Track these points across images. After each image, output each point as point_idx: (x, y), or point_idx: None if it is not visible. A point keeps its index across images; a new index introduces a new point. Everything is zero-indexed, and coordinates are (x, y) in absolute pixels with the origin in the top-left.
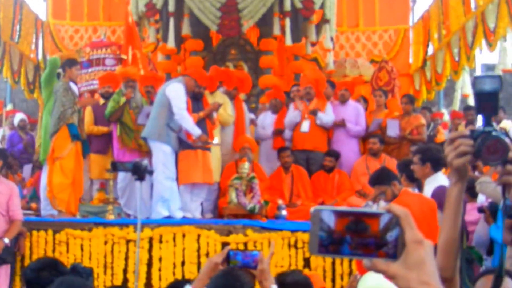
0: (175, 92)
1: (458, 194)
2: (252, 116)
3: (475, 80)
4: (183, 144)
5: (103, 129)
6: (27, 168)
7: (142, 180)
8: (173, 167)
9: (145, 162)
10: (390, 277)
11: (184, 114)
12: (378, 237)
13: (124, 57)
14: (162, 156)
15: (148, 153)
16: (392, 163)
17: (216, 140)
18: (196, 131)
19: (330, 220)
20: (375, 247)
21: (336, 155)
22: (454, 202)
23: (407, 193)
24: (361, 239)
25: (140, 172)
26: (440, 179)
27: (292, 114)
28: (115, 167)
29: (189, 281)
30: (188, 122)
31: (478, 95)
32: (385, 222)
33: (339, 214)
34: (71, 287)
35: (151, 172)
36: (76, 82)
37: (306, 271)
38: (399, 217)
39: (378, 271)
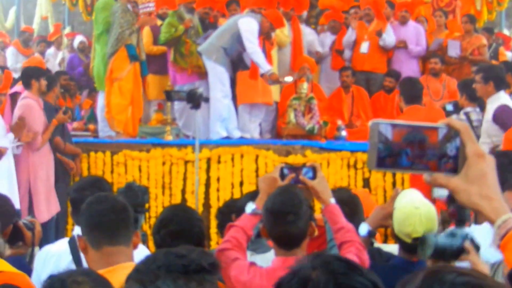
0: (249, 27)
1: None
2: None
3: None
4: (241, 64)
5: (162, 48)
6: (85, 92)
7: (198, 108)
8: (229, 86)
9: (200, 89)
10: (451, 191)
11: (256, 49)
12: (437, 148)
13: None
14: (218, 74)
15: (207, 75)
16: (452, 83)
17: (289, 78)
18: (267, 67)
19: (387, 132)
20: (434, 158)
21: (396, 76)
22: None
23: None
24: (419, 150)
25: (195, 100)
26: (503, 98)
27: (349, 34)
28: (170, 96)
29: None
30: (260, 57)
31: None
32: (444, 134)
33: (397, 126)
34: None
35: (206, 99)
36: (136, 2)
37: (358, 189)
38: (459, 130)
39: (438, 185)
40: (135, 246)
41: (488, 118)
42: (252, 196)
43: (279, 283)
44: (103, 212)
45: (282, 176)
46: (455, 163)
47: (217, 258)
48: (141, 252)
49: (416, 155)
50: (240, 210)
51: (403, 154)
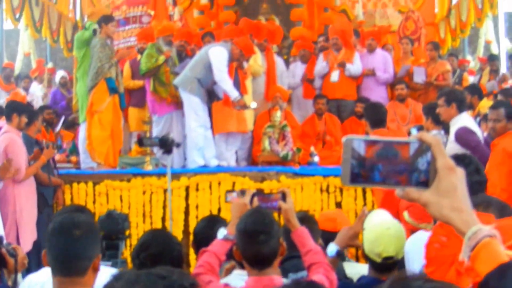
0: (218, 55)
1: None
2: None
3: None
4: (217, 95)
5: (139, 83)
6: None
7: (170, 153)
8: (205, 115)
9: (171, 135)
10: (423, 204)
11: (224, 77)
12: (408, 163)
13: (151, 12)
14: (193, 104)
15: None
16: (418, 108)
17: (253, 104)
18: (234, 93)
19: (360, 148)
20: (406, 173)
21: (366, 102)
22: None
23: (379, 133)
24: (391, 165)
25: (167, 146)
26: (465, 119)
27: (321, 65)
28: (142, 142)
29: (220, 220)
30: (228, 85)
31: None
32: (415, 148)
33: (370, 142)
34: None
35: (178, 145)
36: (112, 38)
37: (334, 210)
38: (431, 145)
39: (410, 199)
40: (95, 270)
41: (451, 139)
42: (209, 220)
43: None
44: (54, 243)
45: (252, 202)
46: (426, 177)
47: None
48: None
49: (388, 170)
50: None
51: (375, 169)
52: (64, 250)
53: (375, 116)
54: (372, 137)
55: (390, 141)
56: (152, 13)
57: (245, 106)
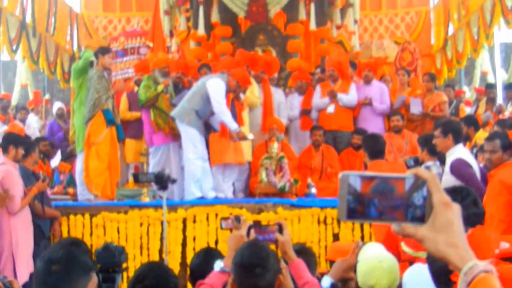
0: (215, 87)
1: None
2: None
3: None
4: (212, 127)
5: (136, 114)
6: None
7: (165, 189)
8: (203, 147)
9: (167, 171)
10: (419, 240)
11: (223, 109)
12: (404, 198)
13: (150, 44)
14: (190, 136)
15: (180, 137)
16: (414, 139)
17: (251, 135)
18: (234, 125)
19: (356, 183)
20: (402, 208)
21: (363, 133)
22: None
23: (377, 164)
24: (387, 201)
25: (163, 182)
26: (461, 151)
27: (319, 98)
28: (137, 179)
29: (215, 253)
30: (227, 116)
31: None
32: (411, 184)
33: (365, 178)
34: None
35: (174, 181)
36: (110, 70)
37: (346, 243)
38: (426, 180)
39: (406, 235)
40: None
41: (446, 171)
42: (205, 254)
43: None
44: (36, 279)
45: (249, 234)
46: (422, 212)
47: None
48: None
49: (384, 205)
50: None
51: (371, 205)
52: (43, 285)
53: (374, 147)
54: (368, 172)
55: (386, 177)
56: (151, 44)
57: (244, 138)
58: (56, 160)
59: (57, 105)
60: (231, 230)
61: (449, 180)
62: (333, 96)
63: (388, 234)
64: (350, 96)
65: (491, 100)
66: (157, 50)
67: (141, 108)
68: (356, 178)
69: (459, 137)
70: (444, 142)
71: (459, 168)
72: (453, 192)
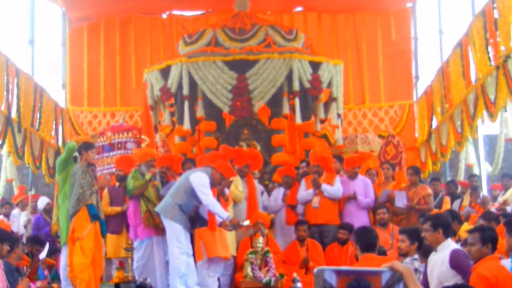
0: (200, 180)
1: None
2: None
3: None
4: (199, 221)
5: (117, 209)
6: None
7: None
8: (187, 242)
9: (148, 280)
10: None
11: (212, 200)
12: None
13: (146, 139)
14: (175, 231)
15: (164, 231)
16: None
17: (247, 222)
18: (225, 214)
19: (332, 279)
20: None
21: (349, 228)
22: None
23: (368, 258)
24: None
25: None
26: (452, 244)
27: (304, 191)
28: None
29: None
30: (217, 207)
31: None
32: (387, 279)
33: (341, 273)
34: None
35: None
36: (94, 165)
37: None
38: (402, 274)
39: None
40: None
41: (444, 264)
42: None
43: None
44: None
45: None
46: None
47: None
48: None
49: None
50: None
51: None
52: None
53: (366, 240)
54: (343, 268)
55: (361, 271)
56: (148, 139)
57: (238, 225)
58: (43, 254)
59: (45, 200)
60: None
61: (447, 273)
62: (316, 186)
63: None
64: (335, 187)
65: (474, 189)
66: (152, 145)
67: (130, 198)
68: (331, 273)
69: (449, 231)
70: (434, 236)
71: (459, 260)
72: None
